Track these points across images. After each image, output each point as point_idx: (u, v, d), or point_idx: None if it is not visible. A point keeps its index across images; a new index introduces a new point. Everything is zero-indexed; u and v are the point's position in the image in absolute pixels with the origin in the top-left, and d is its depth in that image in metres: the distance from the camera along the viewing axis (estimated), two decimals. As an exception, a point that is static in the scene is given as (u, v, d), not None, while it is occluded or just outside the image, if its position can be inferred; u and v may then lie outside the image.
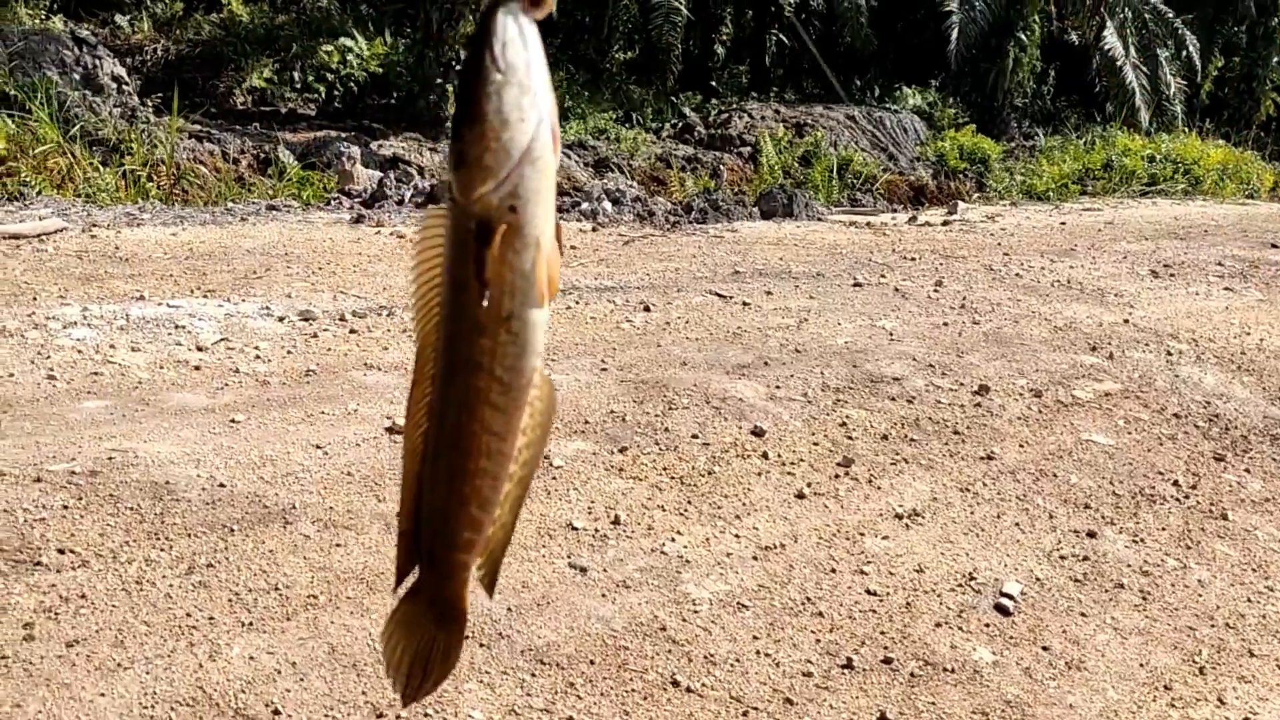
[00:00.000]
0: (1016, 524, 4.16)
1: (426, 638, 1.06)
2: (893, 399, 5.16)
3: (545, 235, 0.85)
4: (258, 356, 4.93)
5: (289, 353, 5.03)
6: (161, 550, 3.31)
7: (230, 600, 3.13)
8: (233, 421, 4.21)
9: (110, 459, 3.78)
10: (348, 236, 7.88)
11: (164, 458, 3.84)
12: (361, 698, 2.78)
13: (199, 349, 4.98)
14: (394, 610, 1.09)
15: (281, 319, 5.46)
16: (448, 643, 1.07)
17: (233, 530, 3.45)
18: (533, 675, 2.96)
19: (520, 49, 0.85)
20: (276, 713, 2.69)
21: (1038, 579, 3.76)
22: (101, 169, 9.86)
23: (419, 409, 0.94)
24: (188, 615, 3.04)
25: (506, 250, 0.83)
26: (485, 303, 0.85)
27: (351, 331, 5.39)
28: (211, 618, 3.04)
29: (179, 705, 2.67)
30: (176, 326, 5.21)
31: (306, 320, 5.47)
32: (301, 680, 2.82)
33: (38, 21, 13.85)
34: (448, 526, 0.96)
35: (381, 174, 12.06)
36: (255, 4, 18.65)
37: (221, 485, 3.69)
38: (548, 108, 0.86)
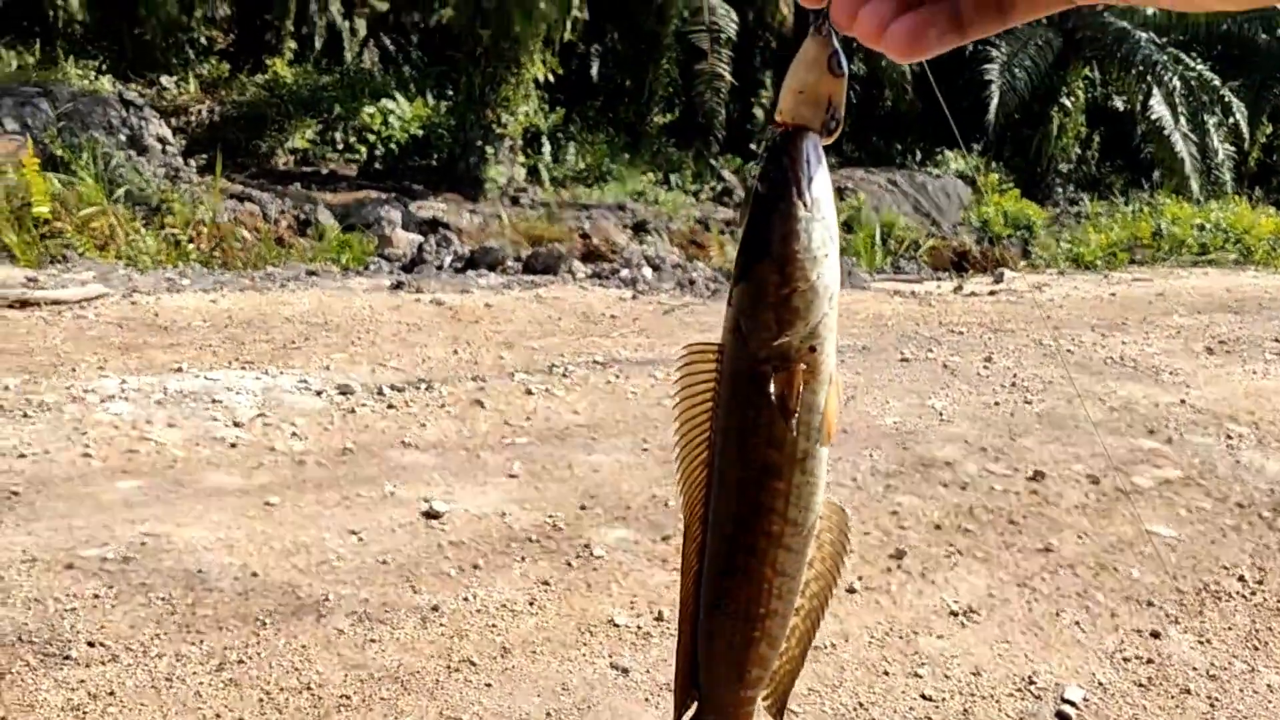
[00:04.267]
0: (1077, 623, 3.97)
1: None
2: (945, 485, 4.99)
3: (834, 371, 0.82)
4: (294, 434, 4.85)
5: (325, 429, 4.95)
6: (192, 644, 3.20)
7: (261, 700, 3.01)
8: (267, 504, 4.12)
9: (143, 544, 3.70)
10: (387, 304, 7.85)
11: (197, 543, 3.75)
12: (393, 813, 2.65)
13: (236, 424, 4.91)
14: None
15: (319, 393, 5.40)
16: None
17: (265, 623, 3.34)
18: (573, 791, 2.82)
19: (823, 182, 0.78)
20: (304, 828, 2.56)
21: (1100, 684, 3.57)
22: (143, 231, 9.94)
23: (693, 557, 0.91)
24: (218, 716, 2.92)
25: (805, 391, 0.80)
26: (793, 433, 0.80)
27: (389, 406, 5.31)
28: (241, 718, 2.92)
29: (203, 820, 2.55)
30: (214, 400, 5.15)
31: (344, 394, 5.40)
32: (331, 792, 2.69)
33: (87, 82, 14.13)
34: (734, 670, 0.93)
35: (421, 238, 12.10)
36: (299, 65, 18.97)
37: (254, 574, 3.60)
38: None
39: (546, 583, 3.80)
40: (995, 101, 16.00)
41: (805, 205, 0.78)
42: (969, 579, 4.20)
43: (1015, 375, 6.80)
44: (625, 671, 3.33)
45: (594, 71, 19.69)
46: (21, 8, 18.69)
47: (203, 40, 19.09)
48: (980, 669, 3.58)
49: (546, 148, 16.40)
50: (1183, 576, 4.46)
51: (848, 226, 13.47)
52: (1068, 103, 17.93)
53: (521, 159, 15.67)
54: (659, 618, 3.62)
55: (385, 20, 22.62)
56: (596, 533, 4.16)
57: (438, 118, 16.01)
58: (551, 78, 15.34)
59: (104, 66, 16.08)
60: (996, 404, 6.21)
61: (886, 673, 3.51)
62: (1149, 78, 17.10)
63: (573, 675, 3.29)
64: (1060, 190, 18.29)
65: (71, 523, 3.82)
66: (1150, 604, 4.16)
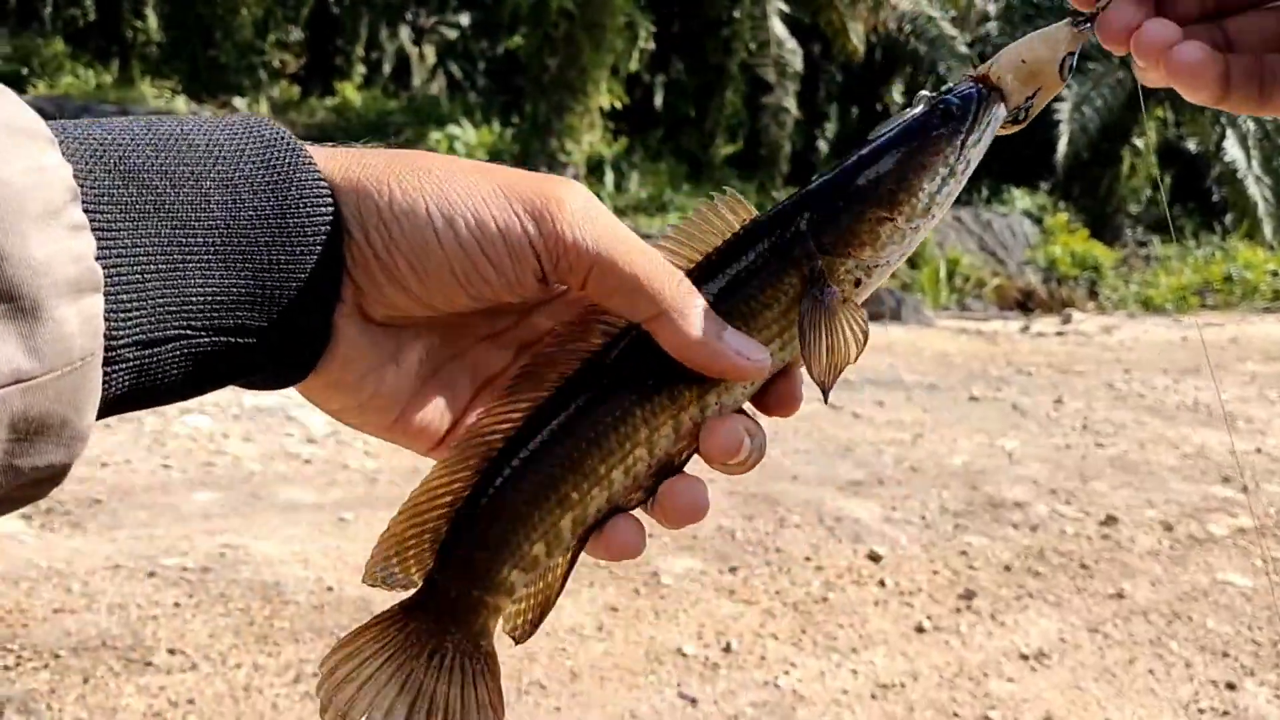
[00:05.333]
0: (1150, 671, 3.90)
1: (425, 689, 0.64)
2: (1015, 526, 4.93)
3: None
4: (366, 452, 4.92)
5: (396, 449, 5.00)
6: (269, 655, 3.25)
7: (334, 714, 3.05)
8: (341, 519, 4.18)
9: (222, 555, 3.77)
10: (456, 326, 7.95)
11: (273, 556, 3.81)
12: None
13: (310, 441, 4.99)
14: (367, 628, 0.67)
15: (391, 412, 5.48)
16: (464, 706, 0.65)
17: (339, 637, 3.39)
18: (642, 819, 2.81)
19: (978, 156, 0.70)
20: (377, 844, 2.58)
21: (1177, 736, 3.50)
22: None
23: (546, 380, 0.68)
24: (291, 728, 2.96)
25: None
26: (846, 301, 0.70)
27: (460, 428, 5.37)
28: (314, 732, 2.96)
29: (280, 831, 2.59)
30: (288, 417, 5.24)
31: (416, 414, 5.48)
32: (404, 809, 2.71)
33: (162, 102, 14.50)
34: (488, 554, 0.66)
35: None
36: (368, 90, 19.32)
37: (329, 589, 3.65)
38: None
39: (615, 609, 3.81)
40: (1064, 140, 15.86)
41: (956, 155, 0.70)
42: (1040, 622, 4.14)
43: (1086, 417, 6.72)
44: (694, 702, 3.32)
45: (658, 101, 19.84)
46: (100, 28, 19.27)
47: (275, 63, 19.55)
48: (1052, 714, 3.53)
49: (609, 176, 16.53)
50: (1258, 628, 4.36)
51: (911, 262, 13.39)
52: (1139, 143, 17.73)
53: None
54: (727, 649, 3.61)
55: (454, 48, 23.02)
56: (664, 561, 4.17)
57: (502, 145, 16.21)
58: (618, 105, 15.49)
59: (179, 86, 16.53)
60: (1067, 446, 6.13)
61: (956, 714, 3.47)
62: (1222, 120, 16.86)
63: (641, 703, 3.29)
64: (1130, 231, 18.06)
65: (152, 531, 3.90)
66: (1226, 655, 4.08)
